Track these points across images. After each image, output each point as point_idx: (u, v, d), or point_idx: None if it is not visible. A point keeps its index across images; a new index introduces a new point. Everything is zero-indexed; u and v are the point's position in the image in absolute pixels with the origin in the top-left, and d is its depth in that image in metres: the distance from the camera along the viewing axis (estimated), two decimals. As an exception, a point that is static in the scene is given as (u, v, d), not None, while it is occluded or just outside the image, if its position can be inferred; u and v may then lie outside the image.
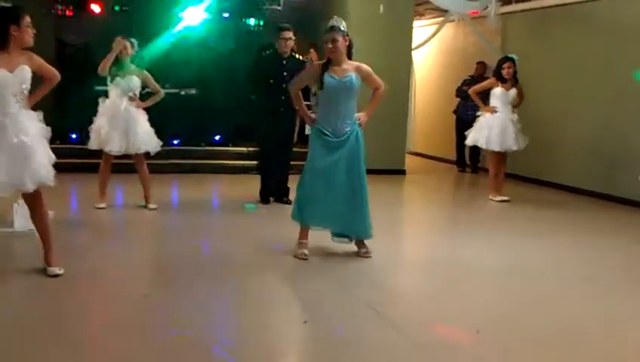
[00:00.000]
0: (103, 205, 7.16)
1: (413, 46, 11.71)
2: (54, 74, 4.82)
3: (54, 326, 3.90)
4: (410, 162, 11.68)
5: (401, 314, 4.38)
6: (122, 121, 6.98)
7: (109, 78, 7.08)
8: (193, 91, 10.93)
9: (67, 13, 10.07)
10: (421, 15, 12.97)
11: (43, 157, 4.57)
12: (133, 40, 7.16)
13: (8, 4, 4.83)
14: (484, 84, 8.99)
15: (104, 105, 7.12)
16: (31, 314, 4.10)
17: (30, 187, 4.51)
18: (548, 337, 4.08)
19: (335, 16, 5.54)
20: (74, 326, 3.95)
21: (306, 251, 5.55)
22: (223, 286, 4.82)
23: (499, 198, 8.62)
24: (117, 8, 10.34)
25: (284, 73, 7.49)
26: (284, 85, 7.36)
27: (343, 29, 5.43)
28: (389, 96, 10.68)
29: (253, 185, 8.13)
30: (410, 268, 5.88)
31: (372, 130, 10.51)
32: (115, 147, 6.98)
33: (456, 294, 4.94)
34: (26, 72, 4.56)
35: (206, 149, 10.72)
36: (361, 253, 5.67)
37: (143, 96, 7.39)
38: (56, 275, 4.71)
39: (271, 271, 5.26)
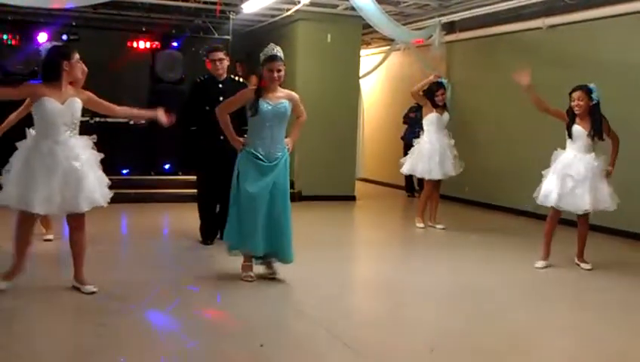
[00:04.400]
0: None
1: (361, 74, 11.97)
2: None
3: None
4: (360, 188, 11.84)
5: (355, 336, 4.44)
6: None
7: None
8: (142, 121, 10.86)
9: (13, 42, 9.98)
10: (368, 44, 13.27)
11: (95, 182, 4.89)
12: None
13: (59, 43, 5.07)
14: (424, 83, 8.53)
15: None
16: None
17: (84, 209, 4.87)
18: (500, 349, 4.23)
19: (273, 44, 5.58)
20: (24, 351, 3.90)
21: (252, 273, 5.67)
22: (173, 313, 4.82)
23: (440, 226, 8.63)
24: (65, 38, 10.31)
25: (221, 98, 6.50)
26: None
27: (282, 58, 5.55)
28: (338, 123, 11.03)
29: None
30: (358, 290, 5.97)
31: (322, 157, 10.78)
32: None
33: (406, 314, 5.05)
34: (75, 104, 4.89)
35: (155, 178, 10.66)
36: (269, 273, 5.76)
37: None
38: (92, 292, 5.00)
39: (221, 295, 5.28)
